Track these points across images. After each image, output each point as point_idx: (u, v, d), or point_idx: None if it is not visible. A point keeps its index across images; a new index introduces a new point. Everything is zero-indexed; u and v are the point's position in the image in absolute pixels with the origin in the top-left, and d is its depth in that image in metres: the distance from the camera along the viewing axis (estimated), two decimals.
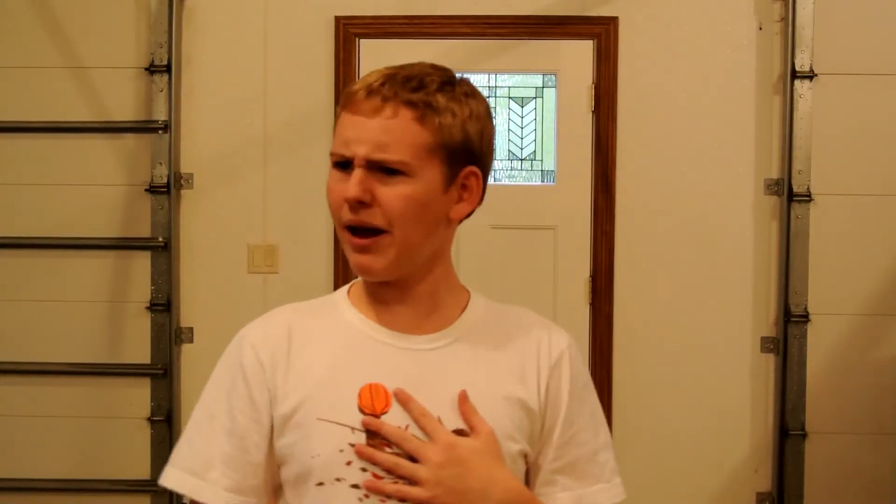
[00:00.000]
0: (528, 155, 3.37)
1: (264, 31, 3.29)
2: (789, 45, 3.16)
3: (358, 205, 1.14)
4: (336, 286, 3.22)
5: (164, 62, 3.24)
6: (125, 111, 3.29)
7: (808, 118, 3.18)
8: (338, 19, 3.26)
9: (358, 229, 1.16)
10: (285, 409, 1.17)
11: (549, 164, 3.35)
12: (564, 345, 1.25)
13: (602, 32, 3.23)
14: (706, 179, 3.25)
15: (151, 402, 3.30)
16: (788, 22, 3.17)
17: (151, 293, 3.29)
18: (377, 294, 1.22)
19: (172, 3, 3.21)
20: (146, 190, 3.28)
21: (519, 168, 3.36)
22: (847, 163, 3.22)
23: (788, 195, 3.19)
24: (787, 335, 3.21)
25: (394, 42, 3.24)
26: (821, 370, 3.23)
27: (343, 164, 1.16)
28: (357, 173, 1.14)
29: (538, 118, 3.37)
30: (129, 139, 3.31)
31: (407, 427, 1.14)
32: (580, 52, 3.26)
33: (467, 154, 1.18)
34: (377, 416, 1.14)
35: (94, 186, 3.30)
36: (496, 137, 1.26)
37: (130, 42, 3.28)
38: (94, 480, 3.32)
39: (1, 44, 3.30)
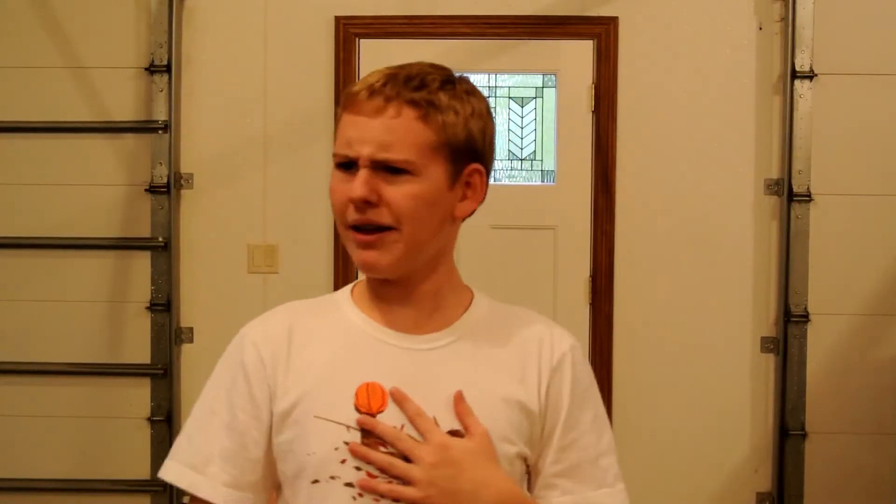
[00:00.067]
0: (528, 155, 3.37)
1: (264, 31, 3.29)
2: (789, 45, 3.16)
3: (364, 204, 1.14)
4: (336, 286, 3.22)
5: (164, 62, 3.24)
6: (125, 111, 3.29)
7: (808, 118, 3.18)
8: (338, 19, 3.26)
9: (363, 227, 1.16)
10: (284, 406, 1.17)
11: (549, 164, 3.35)
12: (567, 347, 1.24)
13: (602, 32, 3.23)
14: (706, 179, 3.25)
15: (151, 402, 3.30)
16: (788, 22, 3.17)
17: (151, 293, 3.29)
18: (380, 293, 1.22)
19: (172, 3, 3.21)
20: (146, 190, 3.28)
21: (519, 168, 3.36)
22: (847, 163, 3.22)
23: (788, 195, 3.19)
24: (787, 335, 3.21)
25: (394, 42, 3.25)
26: (821, 370, 3.23)
27: (346, 165, 1.16)
28: (362, 173, 1.14)
29: (538, 118, 3.37)
30: (129, 139, 3.31)
31: (402, 427, 1.14)
32: (580, 52, 3.26)
33: (470, 152, 1.19)
34: (373, 415, 1.14)
35: (94, 186, 3.30)
36: (496, 136, 1.26)
37: (130, 42, 3.28)
38: (94, 480, 3.32)
39: (1, 44, 3.31)
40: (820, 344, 3.23)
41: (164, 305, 3.28)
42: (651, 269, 3.28)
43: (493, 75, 3.37)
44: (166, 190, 3.25)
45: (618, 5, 3.23)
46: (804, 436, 3.22)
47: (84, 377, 3.33)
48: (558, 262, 3.30)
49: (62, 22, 3.29)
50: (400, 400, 1.15)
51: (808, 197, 3.19)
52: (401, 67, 1.18)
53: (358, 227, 1.16)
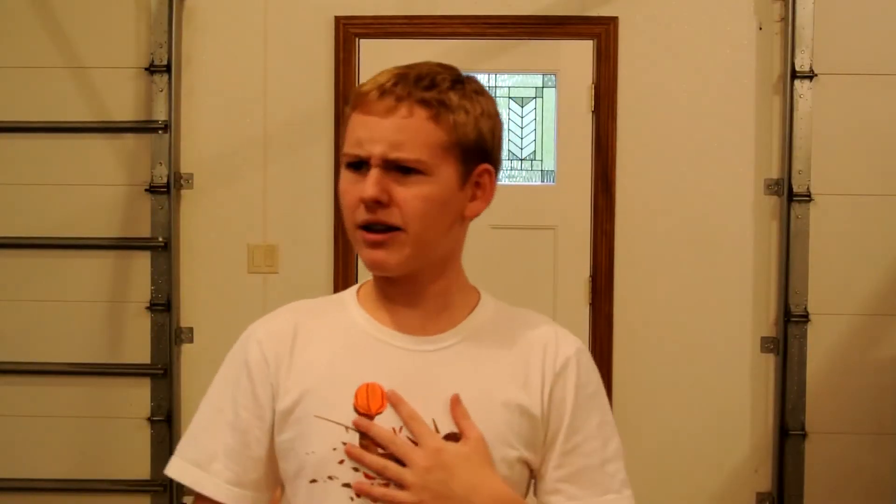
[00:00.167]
0: (528, 155, 3.37)
1: (264, 31, 3.29)
2: (789, 45, 3.16)
3: (374, 204, 1.13)
4: (336, 286, 3.23)
5: (164, 62, 3.24)
6: (125, 111, 3.30)
7: (808, 118, 3.18)
8: (338, 19, 3.26)
9: (372, 226, 1.15)
10: (286, 405, 1.17)
11: (549, 164, 3.35)
12: (572, 351, 1.23)
13: (602, 32, 3.23)
14: (706, 179, 3.25)
15: (151, 402, 3.30)
16: (788, 22, 3.17)
17: (151, 293, 3.29)
18: (387, 293, 1.22)
19: (172, 3, 3.21)
20: (146, 190, 3.28)
21: (519, 168, 3.36)
22: (847, 163, 3.22)
23: (788, 195, 3.19)
24: (787, 335, 3.21)
25: (394, 42, 3.25)
26: (821, 370, 3.23)
27: (356, 165, 1.16)
28: (373, 173, 1.13)
29: (538, 118, 3.37)
30: (129, 139, 3.31)
31: (401, 429, 1.14)
32: (580, 52, 3.26)
33: (481, 152, 1.18)
34: (371, 417, 1.14)
35: (94, 186, 3.30)
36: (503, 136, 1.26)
37: (130, 42, 3.28)
38: (94, 480, 3.32)
39: (1, 44, 3.31)
40: (820, 344, 3.23)
41: (164, 305, 3.28)
42: (651, 269, 3.28)
43: (493, 75, 3.37)
44: (166, 190, 3.25)
45: (618, 5, 3.23)
46: (804, 436, 3.22)
47: (84, 377, 3.33)
48: (558, 262, 3.30)
49: (62, 22, 3.29)
50: (395, 402, 1.15)
51: (808, 197, 3.19)
52: (410, 67, 1.18)
53: (367, 227, 1.15)
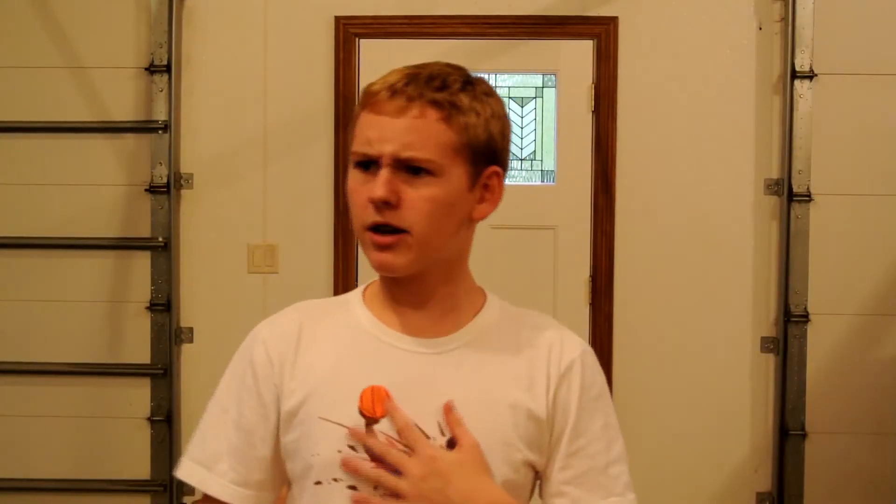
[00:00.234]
0: (528, 155, 3.37)
1: (264, 31, 3.29)
2: (789, 45, 3.16)
3: (383, 205, 1.13)
4: (336, 286, 3.23)
5: (164, 62, 3.24)
6: (125, 111, 3.29)
7: (808, 118, 3.18)
8: (338, 19, 3.26)
9: (381, 228, 1.15)
10: (290, 406, 1.18)
11: (549, 164, 3.35)
12: (577, 353, 1.22)
13: (602, 32, 3.23)
14: (706, 179, 3.25)
15: (151, 402, 3.30)
16: (788, 22, 3.17)
17: (151, 293, 3.29)
18: (394, 294, 1.21)
19: (172, 3, 3.21)
20: (146, 190, 3.28)
21: (519, 168, 3.36)
22: (847, 163, 3.22)
23: (788, 195, 3.19)
24: (787, 335, 3.21)
25: (394, 42, 3.24)
26: (821, 370, 3.23)
27: (365, 165, 1.15)
28: (383, 173, 1.12)
29: (538, 118, 3.37)
30: (129, 139, 3.31)
31: None
32: (580, 52, 3.26)
33: (490, 154, 1.18)
34: (376, 419, 1.14)
35: (94, 186, 3.30)
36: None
37: (130, 42, 3.28)
38: (94, 480, 3.32)
39: (1, 44, 3.31)
40: (820, 344, 3.23)
41: (164, 305, 3.27)
42: (651, 269, 3.28)
43: (493, 75, 3.36)
44: (166, 190, 3.25)
45: (618, 5, 3.23)
46: (804, 436, 3.22)
47: (84, 377, 3.33)
48: (558, 262, 3.30)
49: (62, 22, 3.29)
50: (391, 410, 1.14)
51: (808, 197, 3.19)
52: (420, 67, 1.18)
53: (375, 228, 1.15)
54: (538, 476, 1.22)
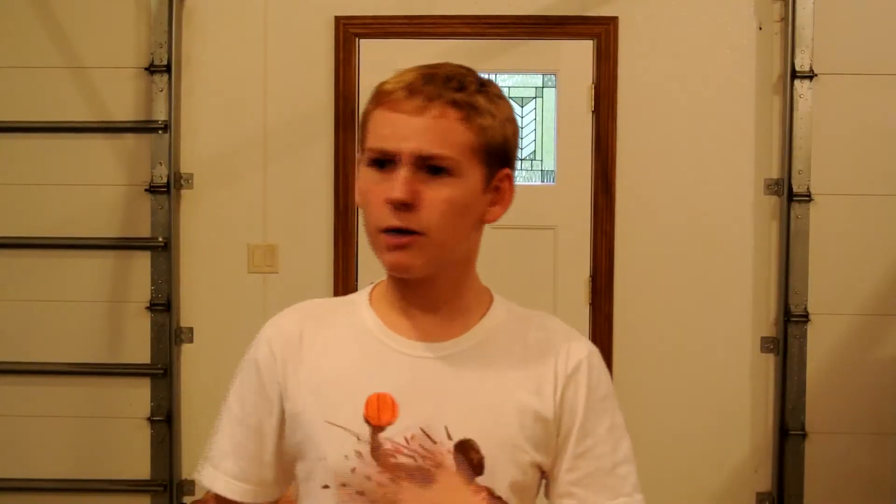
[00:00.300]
0: (528, 155, 3.37)
1: (264, 31, 3.29)
2: (789, 45, 3.16)
3: (402, 206, 1.10)
4: (336, 286, 3.22)
5: (164, 62, 3.24)
6: (125, 111, 3.29)
7: (808, 118, 3.18)
8: (338, 19, 3.26)
9: (395, 230, 1.12)
10: (295, 407, 1.18)
11: (549, 164, 3.35)
12: (584, 354, 1.23)
13: (602, 32, 3.23)
14: (706, 179, 3.25)
15: (151, 402, 3.30)
16: (788, 22, 3.17)
17: (151, 293, 3.29)
18: (403, 296, 1.20)
19: (172, 3, 3.21)
20: (146, 190, 3.28)
21: (519, 168, 3.36)
22: (847, 163, 3.22)
23: (788, 195, 3.19)
24: (787, 335, 3.21)
25: (394, 42, 3.24)
26: (821, 370, 3.23)
27: (380, 163, 1.13)
28: (403, 172, 1.10)
29: (538, 118, 3.37)
30: (129, 139, 3.31)
31: (412, 436, 1.13)
32: (580, 52, 3.26)
33: (503, 156, 1.18)
34: (382, 427, 1.14)
35: (94, 186, 3.30)
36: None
37: (130, 42, 3.28)
38: (94, 480, 3.32)
39: (1, 44, 3.31)
40: (820, 344, 3.23)
41: (164, 305, 3.27)
42: (651, 269, 3.28)
43: (493, 75, 3.36)
44: (166, 190, 3.25)
45: (618, 5, 3.23)
46: (804, 436, 3.22)
47: (84, 377, 3.33)
48: (558, 262, 3.30)
49: (62, 22, 3.29)
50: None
51: (808, 197, 3.19)
52: (434, 67, 1.17)
53: (389, 230, 1.13)
54: (544, 476, 1.21)
